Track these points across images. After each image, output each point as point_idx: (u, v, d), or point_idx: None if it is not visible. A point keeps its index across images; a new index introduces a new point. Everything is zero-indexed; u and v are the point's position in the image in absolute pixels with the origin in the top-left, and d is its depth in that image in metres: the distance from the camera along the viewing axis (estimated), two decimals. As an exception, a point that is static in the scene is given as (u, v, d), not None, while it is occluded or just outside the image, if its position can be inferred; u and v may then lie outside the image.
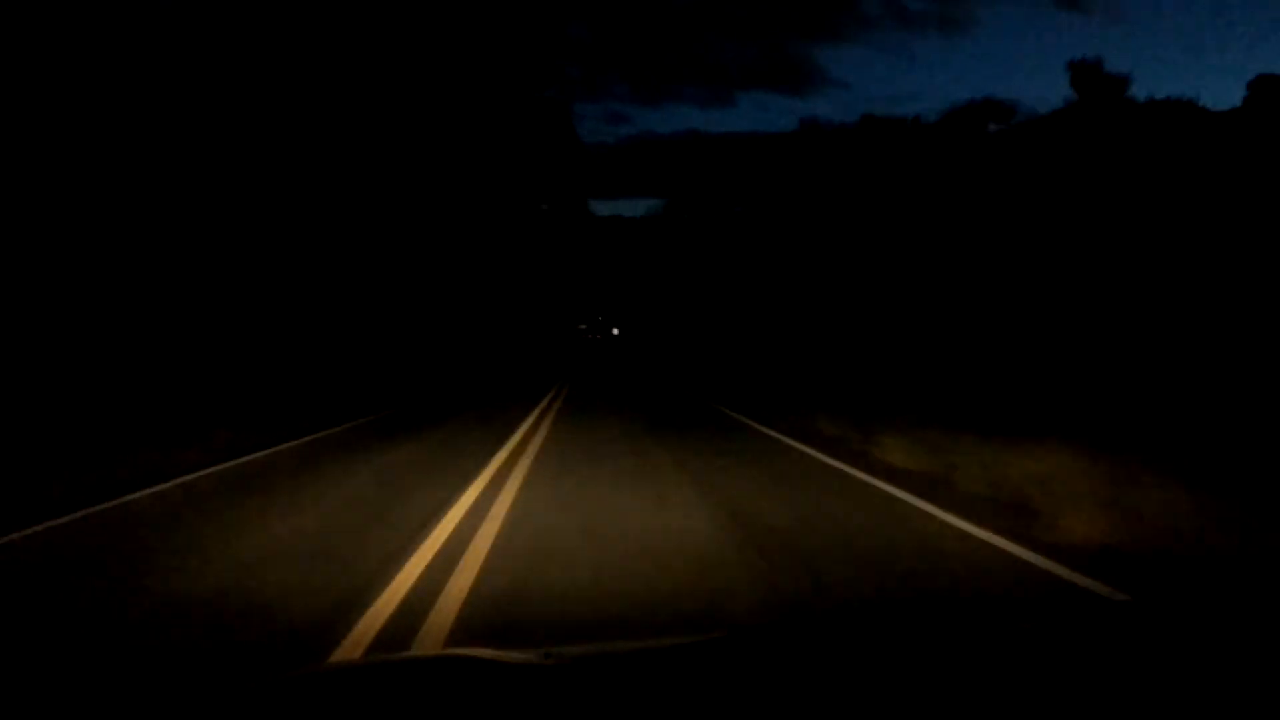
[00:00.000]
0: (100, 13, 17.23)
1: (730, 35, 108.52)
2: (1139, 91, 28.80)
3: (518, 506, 6.96)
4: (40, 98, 15.54)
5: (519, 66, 41.17)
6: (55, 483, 7.98)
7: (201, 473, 8.93)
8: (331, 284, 25.36)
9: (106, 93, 16.98)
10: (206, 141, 19.56)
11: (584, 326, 74.65)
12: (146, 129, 17.95)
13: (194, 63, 19.33)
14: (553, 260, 64.21)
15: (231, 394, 16.44)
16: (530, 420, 14.69)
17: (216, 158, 19.97)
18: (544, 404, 18.34)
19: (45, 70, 15.68)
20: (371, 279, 28.40)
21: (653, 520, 6.47)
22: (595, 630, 3.98)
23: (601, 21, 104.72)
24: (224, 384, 17.42)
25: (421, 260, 33.75)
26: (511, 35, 38.16)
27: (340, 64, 26.00)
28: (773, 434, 12.77)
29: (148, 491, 7.81)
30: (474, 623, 4.10)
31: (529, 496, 7.44)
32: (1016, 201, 22.96)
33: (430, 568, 5.09)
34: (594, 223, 71.43)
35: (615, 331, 73.15)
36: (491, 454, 10.09)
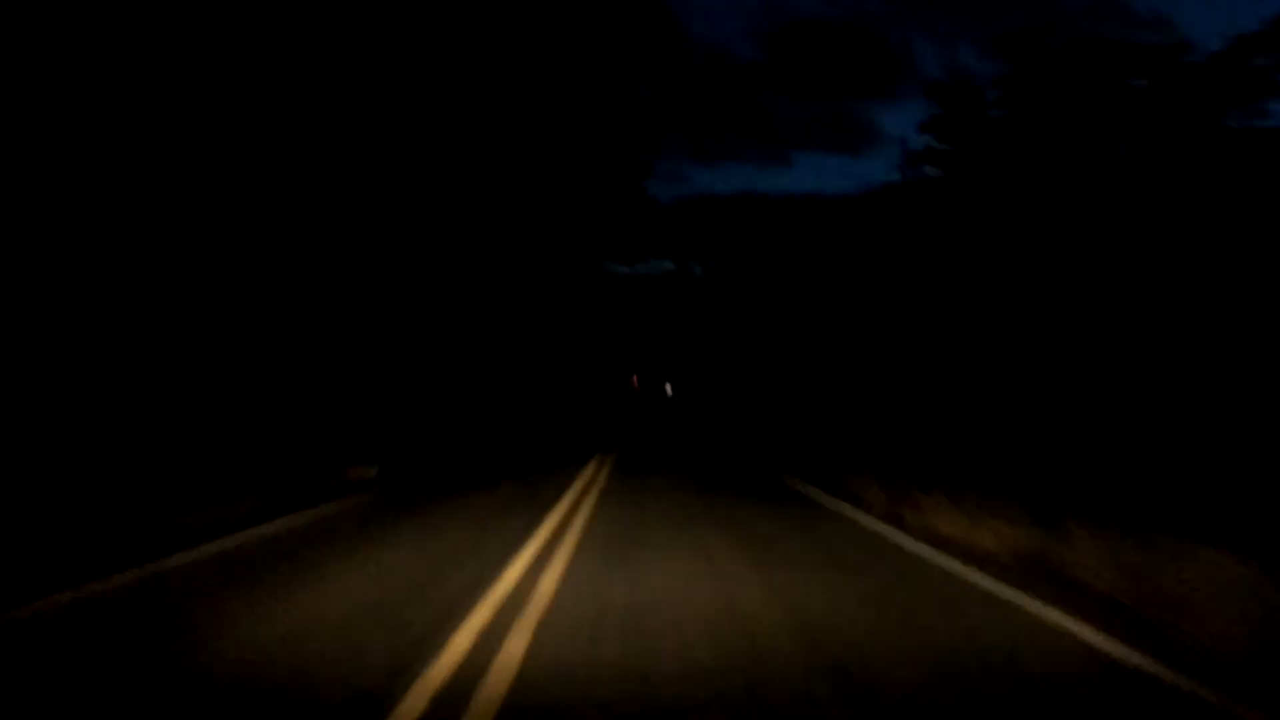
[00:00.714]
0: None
1: (788, 94, 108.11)
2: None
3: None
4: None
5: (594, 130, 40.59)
6: None
7: None
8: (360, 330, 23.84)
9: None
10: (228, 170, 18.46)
11: (636, 380, 73.44)
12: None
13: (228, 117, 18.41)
14: (612, 316, 63.64)
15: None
16: (570, 498, 12.52)
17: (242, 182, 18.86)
18: (588, 474, 16.15)
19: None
20: (410, 329, 27.41)
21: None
22: None
23: (661, 81, 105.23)
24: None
25: (469, 313, 33.05)
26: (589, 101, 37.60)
27: (392, 112, 25.43)
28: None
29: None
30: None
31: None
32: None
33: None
34: (642, 281, 70.84)
35: (668, 389, 71.68)
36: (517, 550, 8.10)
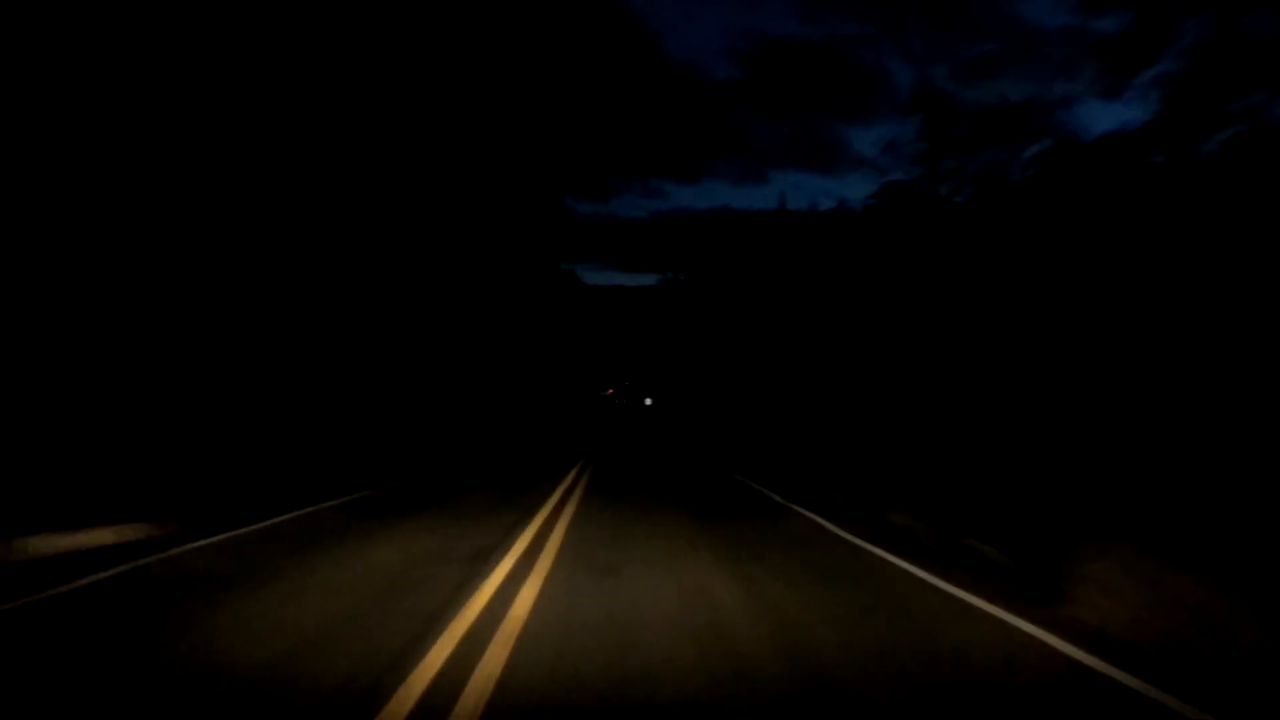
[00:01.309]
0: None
1: (765, 113, 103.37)
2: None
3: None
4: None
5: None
6: None
7: None
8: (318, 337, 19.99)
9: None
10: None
11: (612, 392, 68.06)
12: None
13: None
14: (580, 328, 59.62)
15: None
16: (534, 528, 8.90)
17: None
18: (559, 495, 12.18)
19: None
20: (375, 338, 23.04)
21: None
22: None
23: (639, 98, 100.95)
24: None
25: (432, 323, 28.54)
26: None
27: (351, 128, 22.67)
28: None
29: None
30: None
31: None
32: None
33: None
34: (620, 294, 67.23)
35: (648, 401, 66.12)
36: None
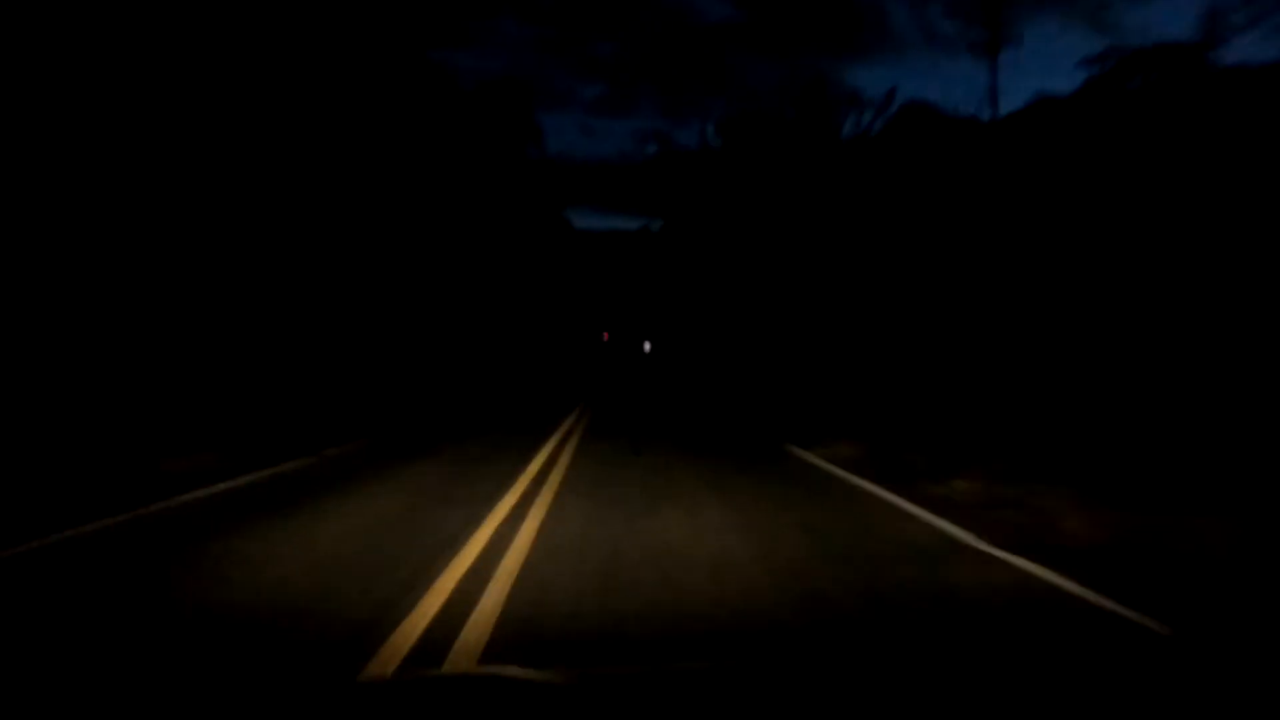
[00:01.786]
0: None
1: (759, 53, 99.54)
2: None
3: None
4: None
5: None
6: None
7: None
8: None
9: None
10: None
11: (608, 337, 66.09)
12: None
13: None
14: (574, 273, 57.77)
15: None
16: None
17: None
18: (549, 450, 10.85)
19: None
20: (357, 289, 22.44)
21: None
22: None
23: (631, 39, 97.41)
24: None
25: (417, 271, 26.93)
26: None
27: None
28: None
29: None
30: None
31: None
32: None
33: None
34: (614, 238, 65.10)
35: (646, 346, 64.12)
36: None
